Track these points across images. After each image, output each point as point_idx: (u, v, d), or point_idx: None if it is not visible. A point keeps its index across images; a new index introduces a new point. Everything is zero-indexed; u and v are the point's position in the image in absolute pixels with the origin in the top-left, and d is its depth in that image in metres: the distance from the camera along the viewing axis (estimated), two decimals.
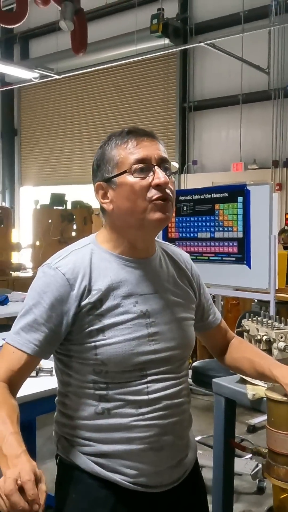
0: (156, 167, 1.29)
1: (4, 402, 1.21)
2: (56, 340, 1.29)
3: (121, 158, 1.30)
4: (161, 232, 4.93)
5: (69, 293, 1.27)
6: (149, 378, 1.30)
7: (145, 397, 1.30)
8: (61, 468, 1.38)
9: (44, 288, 1.28)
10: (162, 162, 1.31)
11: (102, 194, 1.34)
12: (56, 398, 1.41)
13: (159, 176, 1.28)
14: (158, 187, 1.28)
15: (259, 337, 1.87)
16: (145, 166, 1.28)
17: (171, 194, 1.31)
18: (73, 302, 1.27)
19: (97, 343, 1.27)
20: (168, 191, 1.30)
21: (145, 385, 1.30)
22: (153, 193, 1.28)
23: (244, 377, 1.91)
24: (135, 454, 1.29)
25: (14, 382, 1.27)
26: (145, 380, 1.30)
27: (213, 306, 1.58)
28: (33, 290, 1.30)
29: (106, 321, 1.28)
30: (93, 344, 1.27)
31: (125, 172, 1.28)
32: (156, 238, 1.44)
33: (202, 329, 1.56)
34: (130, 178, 1.28)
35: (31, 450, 3.11)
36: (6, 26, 6.78)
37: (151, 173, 1.29)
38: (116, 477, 1.29)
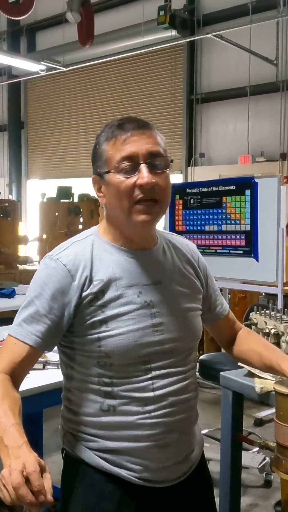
0: (142, 165, 1.25)
1: (7, 395, 1.20)
2: (58, 332, 1.28)
3: (109, 155, 1.28)
4: (167, 223, 4.92)
5: (71, 283, 1.26)
6: (154, 373, 1.29)
7: (151, 394, 1.28)
8: (67, 462, 1.38)
9: (45, 280, 1.28)
10: (151, 158, 1.27)
11: (98, 188, 1.34)
12: (62, 393, 1.41)
13: (143, 175, 1.24)
14: (142, 187, 1.25)
15: (267, 331, 1.86)
16: (131, 164, 1.25)
17: (157, 195, 1.27)
18: (74, 293, 1.26)
19: (100, 334, 1.25)
20: (155, 190, 1.26)
21: (150, 381, 1.28)
22: (137, 193, 1.26)
23: (252, 370, 1.90)
24: (141, 451, 1.28)
25: (16, 374, 1.26)
26: (150, 376, 1.28)
27: (221, 297, 1.57)
28: (34, 282, 1.30)
29: (109, 312, 1.26)
30: (96, 336, 1.25)
31: (110, 171, 1.27)
32: (159, 229, 1.44)
33: (210, 320, 1.54)
34: (116, 177, 1.26)
35: (38, 443, 3.15)
36: (12, 18, 6.76)
37: (137, 172, 1.25)
38: (122, 472, 1.29)
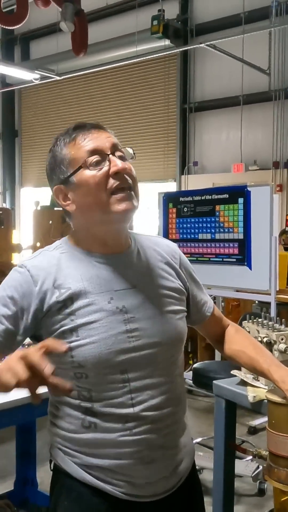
0: (110, 155, 1.25)
1: None
2: (16, 335, 1.26)
3: (73, 155, 1.26)
4: (161, 231, 4.93)
5: (31, 288, 1.25)
6: (132, 385, 1.24)
7: (131, 410, 1.24)
8: (54, 474, 1.36)
9: (8, 283, 1.28)
10: (116, 150, 1.27)
11: (63, 197, 1.30)
12: (48, 407, 1.38)
13: (116, 163, 1.24)
14: (117, 175, 1.24)
15: (259, 339, 1.86)
16: (99, 156, 1.25)
17: (131, 181, 1.27)
18: (35, 298, 1.24)
19: (72, 344, 1.22)
20: (127, 177, 1.26)
21: (128, 395, 1.24)
22: (112, 183, 1.24)
23: (244, 378, 1.90)
24: (125, 468, 1.26)
25: None
26: (128, 389, 1.24)
27: (206, 295, 1.52)
28: (1, 286, 1.30)
29: (79, 321, 1.23)
30: (67, 345, 1.21)
31: (80, 168, 1.25)
32: (135, 232, 1.41)
33: (198, 320, 1.50)
34: (86, 173, 1.24)
35: (31, 452, 3.12)
36: (6, 28, 6.78)
37: (107, 163, 1.24)
38: (108, 487, 1.27)
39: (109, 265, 1.29)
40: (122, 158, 1.28)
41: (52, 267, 1.27)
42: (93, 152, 1.25)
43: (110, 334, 1.23)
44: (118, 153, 1.27)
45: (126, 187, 1.25)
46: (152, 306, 1.30)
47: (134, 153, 1.32)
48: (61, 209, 1.34)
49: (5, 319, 1.24)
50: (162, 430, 1.28)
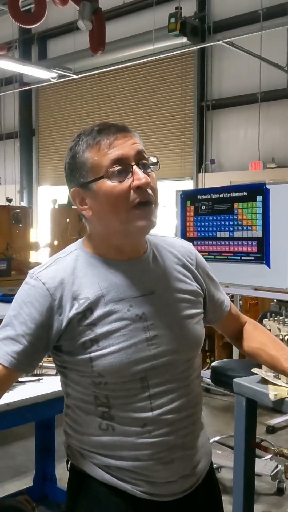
0: (134, 167, 1.20)
1: None
2: (36, 353, 1.23)
3: (95, 162, 1.20)
4: (179, 230, 4.91)
5: (50, 304, 1.21)
6: (152, 391, 1.23)
7: (149, 413, 1.23)
8: (72, 474, 1.36)
9: (24, 299, 1.23)
10: (140, 159, 1.22)
11: (80, 200, 1.26)
12: (64, 408, 1.38)
13: (139, 176, 1.19)
14: (139, 189, 1.19)
15: (281, 337, 1.85)
16: (123, 167, 1.19)
17: (153, 195, 1.22)
18: (54, 313, 1.21)
19: (92, 354, 1.20)
20: (149, 191, 1.21)
21: (148, 401, 1.23)
22: (134, 197, 1.19)
23: (265, 376, 1.89)
24: (144, 469, 1.25)
25: None
26: (147, 394, 1.23)
27: (223, 293, 1.50)
28: (15, 301, 1.26)
29: (99, 330, 1.21)
30: (87, 356, 1.20)
31: (102, 177, 1.20)
32: (149, 233, 1.34)
33: (215, 319, 1.49)
34: (108, 183, 1.19)
35: (51, 448, 3.14)
36: (24, 27, 6.81)
37: (130, 175, 1.20)
38: (127, 486, 1.26)
39: (127, 271, 1.26)
40: (145, 166, 1.23)
41: (68, 276, 1.23)
42: (117, 161, 1.19)
43: (130, 343, 1.21)
44: (141, 162, 1.22)
45: (148, 202, 1.21)
46: (170, 312, 1.28)
47: (158, 162, 1.26)
48: None
49: (23, 338, 1.21)
50: (181, 431, 1.28)
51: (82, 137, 1.24)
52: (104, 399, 1.24)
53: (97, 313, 1.21)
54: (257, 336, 1.54)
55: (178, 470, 1.28)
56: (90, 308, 1.21)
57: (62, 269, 1.25)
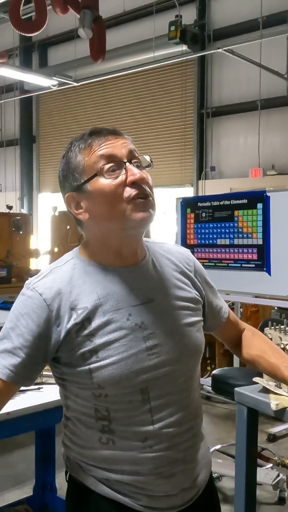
0: (127, 164, 1.19)
1: None
2: (35, 365, 1.21)
3: (88, 162, 1.20)
4: (179, 237, 4.91)
5: (48, 315, 1.18)
6: (152, 404, 1.21)
7: (150, 427, 1.21)
8: (71, 486, 1.34)
9: (21, 310, 1.20)
10: (133, 157, 1.22)
11: (75, 205, 1.24)
12: (63, 419, 1.35)
13: (133, 172, 1.18)
14: (134, 184, 1.18)
15: (282, 346, 1.84)
16: (115, 164, 1.19)
17: (149, 190, 1.21)
18: (52, 324, 1.18)
19: (92, 366, 1.17)
20: (145, 187, 1.20)
21: (149, 414, 1.21)
22: (130, 192, 1.18)
23: (267, 386, 1.88)
24: (144, 483, 1.23)
25: None
26: (148, 407, 1.21)
27: (221, 300, 1.48)
28: (11, 312, 1.23)
29: (98, 341, 1.18)
30: (87, 367, 1.18)
31: (95, 175, 1.19)
32: (146, 240, 1.34)
33: (214, 326, 1.47)
34: (102, 181, 1.18)
35: (51, 457, 3.12)
36: (25, 35, 6.83)
37: (123, 171, 1.19)
38: (127, 500, 1.24)
39: (125, 278, 1.24)
40: (138, 165, 1.23)
41: (65, 286, 1.21)
42: (109, 159, 1.19)
43: (130, 353, 1.19)
44: (134, 161, 1.22)
45: (144, 196, 1.20)
46: (170, 320, 1.26)
47: (151, 161, 1.26)
48: None
49: (21, 351, 1.18)
50: (182, 444, 1.26)
51: (74, 143, 1.24)
52: (105, 412, 1.21)
53: (96, 323, 1.19)
54: (257, 343, 1.52)
55: (179, 483, 1.26)
56: (88, 318, 1.19)
57: (59, 279, 1.22)
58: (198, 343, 1.31)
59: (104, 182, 1.18)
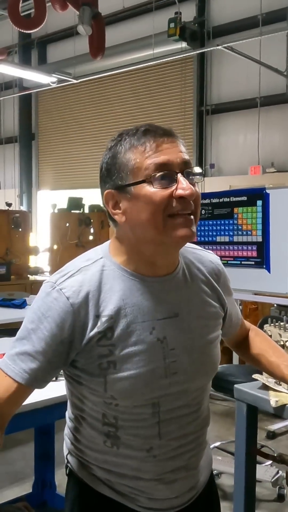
0: (179, 175, 1.12)
1: None
2: (54, 369, 1.17)
3: (138, 164, 1.11)
4: None
5: (73, 320, 1.13)
6: (162, 417, 1.19)
7: (157, 440, 1.19)
8: (70, 481, 1.33)
9: (45, 312, 1.14)
10: (186, 167, 1.13)
11: (113, 204, 1.16)
12: (67, 412, 1.33)
13: (183, 186, 1.10)
14: (182, 199, 1.11)
15: (281, 343, 1.84)
16: (167, 173, 1.10)
17: (193, 207, 1.13)
18: (77, 331, 1.13)
19: (108, 376, 1.14)
20: (192, 203, 1.12)
21: (157, 427, 1.18)
22: (176, 207, 1.11)
23: (266, 383, 1.88)
24: (145, 487, 1.23)
25: (2, 411, 1.16)
26: (157, 420, 1.18)
27: (236, 306, 1.45)
28: (33, 312, 1.16)
29: (118, 352, 1.13)
30: (102, 378, 1.14)
31: (143, 181, 1.11)
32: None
33: (229, 333, 1.46)
34: (149, 188, 1.10)
35: (50, 454, 3.12)
36: (24, 31, 6.82)
37: (174, 182, 1.11)
38: (126, 500, 1.24)
39: (155, 290, 1.18)
40: (191, 177, 1.14)
41: (94, 291, 1.14)
42: (162, 166, 1.10)
43: (148, 369, 1.15)
44: (186, 171, 1.14)
45: (189, 213, 1.13)
46: (193, 337, 1.22)
47: (203, 173, 1.21)
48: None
49: (42, 355, 1.13)
50: (186, 454, 1.25)
51: (125, 137, 1.15)
52: (113, 420, 1.19)
53: (118, 333, 1.14)
54: (258, 342, 1.53)
55: (180, 488, 1.26)
56: (111, 328, 1.14)
57: (87, 282, 1.15)
58: (215, 361, 1.28)
59: (151, 190, 1.10)
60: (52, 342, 1.13)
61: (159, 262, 1.19)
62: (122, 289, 1.16)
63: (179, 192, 1.11)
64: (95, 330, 1.13)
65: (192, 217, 1.14)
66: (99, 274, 1.17)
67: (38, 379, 1.15)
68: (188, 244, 1.29)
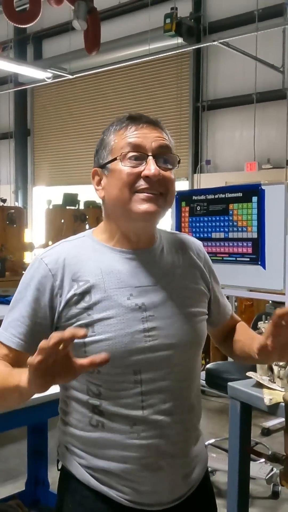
0: (150, 158, 1.21)
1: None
2: (42, 333, 1.18)
3: (115, 144, 1.23)
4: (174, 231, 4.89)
5: (52, 284, 1.21)
6: (144, 388, 1.20)
7: (140, 412, 1.20)
8: (61, 475, 1.34)
9: (28, 281, 1.25)
10: (161, 153, 1.22)
11: (97, 181, 1.28)
12: (59, 403, 1.35)
13: (150, 167, 1.19)
14: (148, 178, 1.20)
15: None
16: (139, 154, 1.21)
17: (162, 188, 1.22)
18: (55, 293, 1.21)
19: (86, 339, 1.17)
20: (160, 184, 1.21)
21: (139, 397, 1.20)
22: (140, 184, 1.20)
23: (260, 381, 1.87)
24: (130, 473, 1.22)
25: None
26: (139, 390, 1.20)
27: (225, 299, 1.48)
28: (20, 284, 1.27)
29: (95, 315, 1.19)
30: (81, 340, 1.16)
31: (115, 159, 1.22)
32: (160, 227, 1.35)
33: (217, 322, 1.44)
34: (120, 165, 1.21)
35: (43, 452, 3.10)
36: (19, 26, 6.78)
37: (144, 163, 1.21)
38: (112, 493, 1.23)
39: (132, 260, 1.26)
40: (163, 162, 1.23)
41: (71, 258, 1.24)
42: (135, 148, 1.21)
43: (126, 332, 1.19)
44: (162, 157, 1.23)
45: (153, 192, 1.21)
46: (172, 305, 1.25)
47: (179, 162, 1.27)
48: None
49: (28, 319, 1.22)
50: (171, 437, 1.24)
51: (113, 123, 1.28)
52: (96, 389, 1.22)
53: (95, 297, 1.20)
54: (234, 333, 1.48)
55: (166, 478, 1.24)
56: (88, 291, 1.21)
57: (66, 251, 1.26)
58: (199, 334, 1.29)
59: (122, 167, 1.21)
60: (36, 305, 1.22)
61: (133, 238, 1.27)
62: (100, 259, 1.25)
63: (145, 172, 1.20)
64: (72, 292, 1.21)
65: (158, 196, 1.21)
66: (78, 247, 1.28)
67: (29, 342, 1.21)
68: (172, 231, 1.43)
